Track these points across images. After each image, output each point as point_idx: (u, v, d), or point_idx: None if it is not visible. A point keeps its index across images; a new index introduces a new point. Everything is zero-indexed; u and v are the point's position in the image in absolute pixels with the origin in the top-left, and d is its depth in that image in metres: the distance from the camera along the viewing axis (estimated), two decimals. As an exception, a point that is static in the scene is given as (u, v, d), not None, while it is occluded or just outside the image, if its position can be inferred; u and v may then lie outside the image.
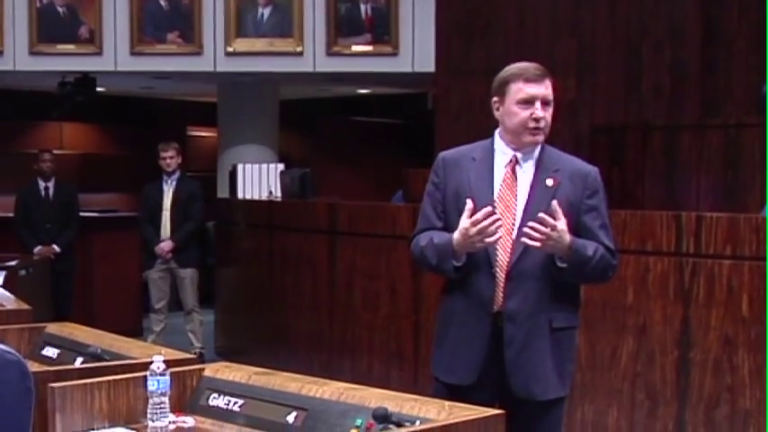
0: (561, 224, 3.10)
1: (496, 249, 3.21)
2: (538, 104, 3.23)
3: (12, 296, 4.89)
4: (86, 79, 9.45)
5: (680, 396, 4.76)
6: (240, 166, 8.68)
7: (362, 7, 8.90)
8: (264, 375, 2.94)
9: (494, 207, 3.21)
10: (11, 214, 8.71)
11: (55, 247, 8.40)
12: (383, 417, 2.52)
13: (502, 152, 3.32)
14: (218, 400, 2.91)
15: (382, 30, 8.89)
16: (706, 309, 4.69)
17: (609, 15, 7.47)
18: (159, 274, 8.08)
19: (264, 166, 8.76)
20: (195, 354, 7.14)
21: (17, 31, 8.72)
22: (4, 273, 6.33)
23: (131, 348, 3.46)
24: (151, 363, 2.70)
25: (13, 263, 7.20)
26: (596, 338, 5.03)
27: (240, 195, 8.57)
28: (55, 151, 9.21)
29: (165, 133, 9.71)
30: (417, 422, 2.49)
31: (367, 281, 6.53)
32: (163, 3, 8.87)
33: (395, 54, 8.87)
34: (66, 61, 8.86)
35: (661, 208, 6.07)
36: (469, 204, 3.15)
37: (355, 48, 8.92)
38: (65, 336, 3.81)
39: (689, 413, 4.73)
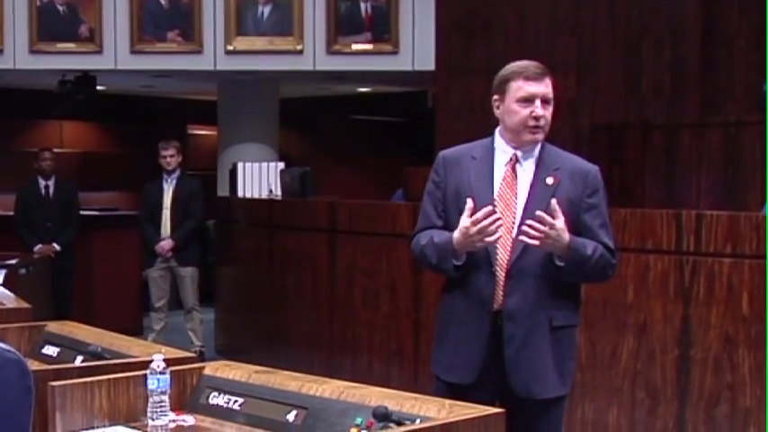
0: (560, 223, 3.10)
1: (496, 248, 3.20)
2: (538, 103, 3.22)
3: (12, 295, 4.90)
4: (86, 78, 9.45)
5: (680, 394, 4.76)
6: (240, 165, 8.68)
7: (362, 6, 8.90)
8: (264, 374, 2.94)
9: (494, 206, 3.21)
10: (11, 213, 8.71)
11: (55, 245, 8.40)
12: (383, 415, 2.52)
13: (502, 151, 3.32)
14: (218, 399, 2.91)
15: (382, 28, 8.88)
16: (706, 307, 4.69)
17: (609, 14, 7.47)
18: (159, 273, 8.08)
19: (264, 164, 8.76)
20: (195, 352, 7.14)
21: (17, 29, 8.71)
22: (4, 271, 6.33)
23: (131, 347, 3.46)
24: (151, 361, 2.70)
25: (13, 261, 7.20)
26: (597, 337, 5.03)
27: (240, 194, 8.57)
28: (55, 150, 9.20)
29: (165, 132, 9.71)
30: (417, 421, 2.49)
31: (367, 279, 6.53)
32: (163, 1, 8.87)
33: (395, 53, 8.86)
34: (66, 60, 8.86)
35: (661, 206, 6.07)
36: (470, 203, 3.15)
37: (355, 46, 8.91)
38: (65, 334, 3.81)
39: (689, 411, 4.73)
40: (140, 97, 12.76)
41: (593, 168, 3.33)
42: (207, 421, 2.87)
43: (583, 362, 4.93)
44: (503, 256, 3.21)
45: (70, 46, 8.81)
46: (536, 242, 3.10)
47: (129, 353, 3.37)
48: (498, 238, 3.15)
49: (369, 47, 8.91)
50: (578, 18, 7.55)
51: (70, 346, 3.67)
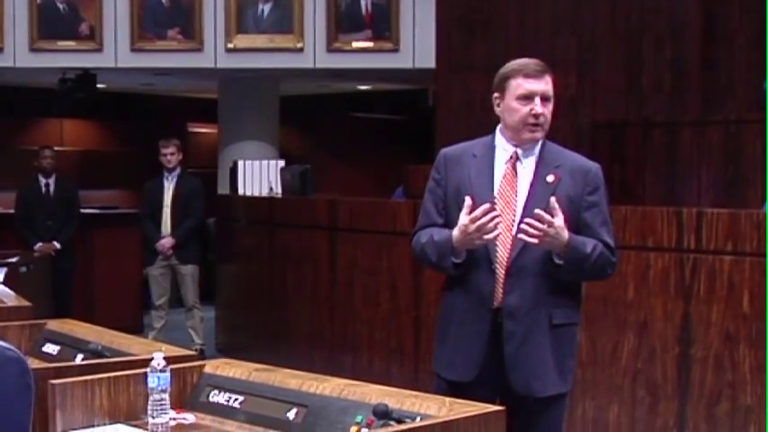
0: (558, 221, 3.09)
1: (496, 245, 3.20)
2: (537, 100, 3.22)
3: (12, 293, 4.90)
4: (87, 76, 9.45)
5: (681, 392, 4.76)
6: (241, 163, 8.68)
7: (363, 3, 8.89)
8: (265, 372, 2.94)
9: (494, 203, 3.21)
10: (11, 211, 8.71)
11: (55, 243, 8.40)
12: (383, 413, 2.52)
13: (503, 148, 3.31)
14: (218, 397, 2.91)
15: (383, 26, 8.88)
16: (707, 305, 4.69)
17: (609, 12, 7.47)
18: (160, 271, 8.09)
19: (265, 162, 8.76)
20: (196, 350, 7.15)
21: (17, 27, 8.71)
22: (4, 269, 6.33)
23: (132, 345, 3.46)
24: (151, 359, 2.70)
25: (13, 259, 7.20)
26: (597, 334, 5.03)
27: (241, 192, 8.58)
28: (55, 148, 9.20)
29: (165, 130, 9.70)
30: (418, 418, 2.49)
31: (367, 277, 6.53)
32: (163, -1, 8.88)
33: (395, 50, 8.86)
34: (66, 58, 8.86)
35: (662, 204, 6.07)
36: (468, 201, 3.15)
37: (356, 44, 8.91)
38: (65, 332, 3.81)
39: (690, 409, 4.73)
40: (141, 95, 12.76)
41: (594, 166, 3.33)
42: (207, 419, 2.87)
43: (583, 359, 4.93)
44: (502, 253, 3.21)
45: (70, 44, 8.81)
46: (535, 240, 3.10)
47: (130, 351, 3.37)
48: (497, 236, 3.15)
49: (369, 44, 8.90)
50: (579, 16, 7.55)
51: (70, 345, 3.67)
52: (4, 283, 5.67)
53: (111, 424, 2.78)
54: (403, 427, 2.43)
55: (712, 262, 4.67)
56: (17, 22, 8.70)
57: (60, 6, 8.78)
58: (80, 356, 3.50)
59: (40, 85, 10.58)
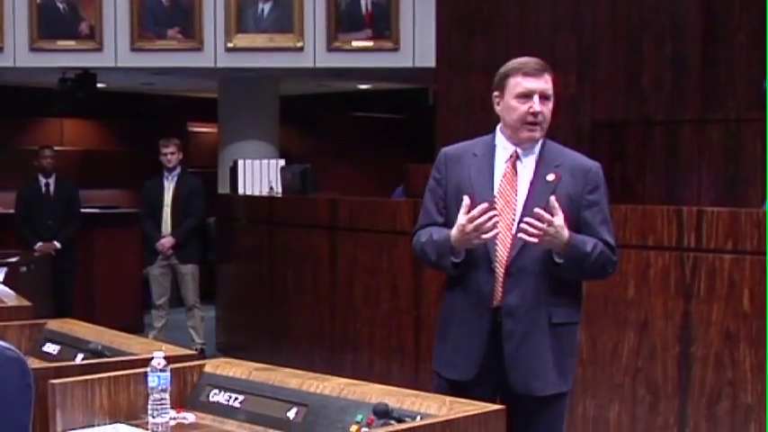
0: (558, 219, 3.09)
1: (496, 245, 3.20)
2: (536, 98, 3.22)
3: (12, 293, 4.90)
4: (87, 75, 9.44)
5: (681, 391, 4.76)
6: (241, 162, 8.68)
7: (363, 2, 8.89)
8: (265, 371, 2.94)
9: (494, 203, 3.21)
10: (11, 211, 8.71)
11: (56, 243, 8.40)
12: (384, 412, 2.52)
13: (503, 147, 3.31)
14: (218, 396, 2.91)
15: (383, 25, 8.87)
16: (707, 303, 4.69)
17: (609, 10, 7.46)
18: (160, 270, 8.09)
19: (265, 161, 8.76)
20: (196, 350, 7.15)
21: (17, 27, 8.71)
22: (4, 269, 6.34)
23: (132, 344, 3.46)
24: (152, 359, 2.70)
25: (13, 259, 7.21)
26: (597, 333, 5.03)
27: (241, 191, 8.57)
28: (55, 147, 9.21)
29: (165, 129, 9.70)
30: (418, 418, 2.49)
31: (368, 276, 6.53)
32: (163, -2, 8.88)
33: (395, 49, 8.85)
34: (66, 57, 8.86)
35: (662, 202, 6.07)
36: (466, 200, 3.15)
37: (356, 43, 8.91)
38: (65, 332, 3.81)
39: (690, 408, 4.73)
40: (141, 95, 12.76)
41: (594, 165, 3.32)
42: (207, 419, 2.87)
43: (584, 358, 4.93)
44: (502, 252, 3.21)
45: (70, 43, 8.81)
46: (535, 240, 3.09)
47: (130, 350, 3.37)
48: (495, 236, 3.14)
49: (369, 44, 8.90)
50: (579, 14, 7.54)
51: (71, 344, 3.67)
52: (5, 282, 5.67)
53: (111, 423, 2.78)
54: (403, 426, 2.43)
55: (713, 260, 4.67)
56: (17, 21, 8.70)
57: (60, 6, 8.78)
58: (80, 356, 3.50)
59: (39, 84, 10.58)
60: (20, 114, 11.98)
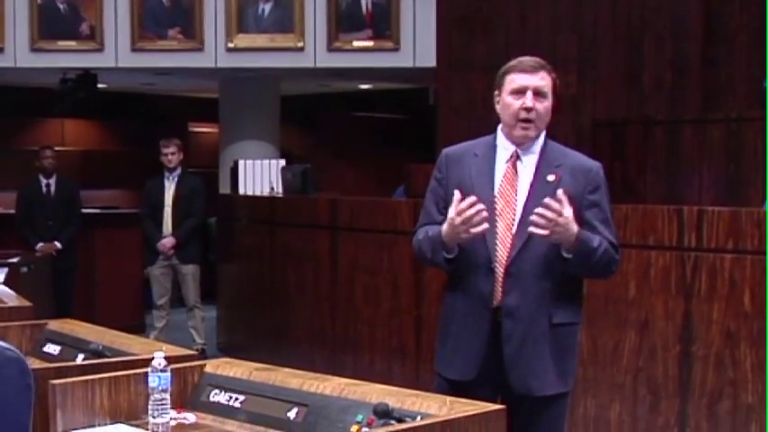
0: (568, 212, 3.08)
1: (496, 245, 3.20)
2: (529, 94, 3.22)
3: (13, 293, 4.90)
4: (87, 76, 9.45)
5: (682, 391, 4.76)
6: (241, 162, 8.68)
7: (363, 2, 8.89)
8: (265, 371, 2.94)
9: (494, 203, 3.21)
10: (12, 211, 8.71)
11: (57, 243, 8.40)
12: (384, 412, 2.52)
13: (503, 147, 3.31)
14: (219, 397, 2.91)
15: (383, 25, 8.87)
16: (708, 303, 4.69)
17: (610, 10, 7.46)
18: (161, 271, 8.09)
19: (266, 161, 8.76)
20: (197, 350, 7.15)
21: (18, 27, 8.71)
22: (5, 270, 6.34)
23: (133, 345, 3.46)
24: (152, 359, 2.70)
25: (14, 260, 7.20)
26: (598, 333, 5.03)
27: (242, 191, 8.58)
28: (56, 148, 9.20)
29: (166, 129, 9.70)
30: (418, 418, 2.49)
31: (368, 276, 6.53)
32: (164, -1, 8.88)
33: (396, 49, 8.85)
34: (67, 58, 8.86)
35: (663, 202, 6.06)
36: (457, 195, 3.14)
37: (356, 43, 8.91)
38: (66, 332, 3.81)
39: (691, 408, 4.73)
40: (141, 95, 12.76)
41: (595, 165, 3.32)
42: (208, 419, 2.87)
43: (584, 358, 4.93)
44: (502, 253, 3.20)
45: (71, 44, 8.81)
46: (545, 231, 3.08)
47: (131, 351, 3.38)
48: (485, 230, 3.13)
49: (369, 44, 8.90)
50: (579, 14, 7.55)
51: (71, 345, 3.67)
52: (5, 283, 5.68)
53: (111, 424, 2.78)
54: (403, 426, 2.43)
55: (713, 260, 4.67)
56: (18, 22, 8.70)
57: (61, 6, 8.78)
58: (81, 356, 3.50)
59: (40, 85, 10.58)
60: (21, 115, 11.99)
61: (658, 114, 7.08)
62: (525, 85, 3.22)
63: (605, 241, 3.21)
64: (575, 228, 3.10)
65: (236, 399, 2.88)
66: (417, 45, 8.78)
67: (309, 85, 11.61)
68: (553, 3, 7.67)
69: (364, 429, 2.54)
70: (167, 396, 2.70)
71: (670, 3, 7.27)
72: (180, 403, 2.89)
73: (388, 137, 13.73)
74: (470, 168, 3.30)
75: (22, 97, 11.57)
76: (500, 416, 2.53)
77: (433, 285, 5.75)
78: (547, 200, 3.07)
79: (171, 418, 2.74)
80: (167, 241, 7.95)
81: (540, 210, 3.06)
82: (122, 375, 2.84)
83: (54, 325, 3.93)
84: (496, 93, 3.31)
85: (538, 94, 3.23)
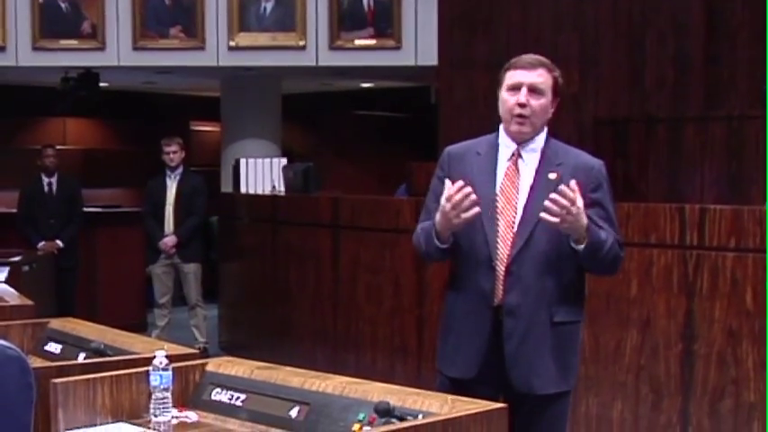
0: (580, 202, 3.06)
1: (497, 242, 3.20)
2: (523, 90, 3.21)
3: (15, 292, 4.90)
4: (89, 74, 9.45)
5: (684, 389, 4.76)
6: (243, 161, 8.68)
7: (365, 1, 8.89)
8: (267, 370, 2.94)
9: (496, 201, 3.20)
10: (14, 210, 8.72)
11: (58, 242, 8.41)
12: (385, 411, 2.52)
13: (505, 146, 3.31)
14: (220, 395, 2.91)
15: (385, 23, 8.87)
16: (710, 301, 4.68)
17: (612, 8, 7.45)
18: (163, 269, 8.09)
19: (267, 160, 8.76)
20: (199, 349, 7.15)
21: (19, 26, 8.71)
22: (7, 268, 6.34)
23: (134, 343, 3.46)
24: (154, 358, 2.70)
25: (16, 258, 7.21)
26: (600, 331, 5.03)
27: (243, 190, 8.58)
28: (58, 147, 9.23)
29: (168, 128, 9.70)
30: (420, 416, 2.49)
31: (370, 275, 6.53)
32: (165, -3, 8.88)
33: (397, 48, 8.85)
34: (68, 56, 8.86)
35: (665, 200, 6.06)
36: (448, 184, 3.14)
37: (358, 42, 8.91)
38: (68, 331, 3.81)
39: (693, 406, 4.72)
40: (143, 94, 12.76)
41: (597, 163, 3.31)
42: (209, 417, 2.87)
43: (587, 356, 4.93)
44: (503, 251, 3.20)
45: (73, 43, 8.81)
46: (556, 219, 3.06)
47: (132, 349, 3.38)
48: (475, 215, 3.11)
49: (371, 42, 8.90)
50: (581, 12, 7.53)
51: (73, 343, 3.67)
52: (7, 281, 5.68)
53: (113, 423, 2.78)
54: (405, 424, 2.42)
55: (715, 258, 4.67)
56: (19, 21, 8.71)
57: (62, 5, 8.78)
58: (82, 355, 3.50)
59: (42, 84, 10.58)
60: (22, 114, 11.99)
61: (660, 112, 7.07)
62: (520, 82, 3.22)
63: (612, 236, 3.20)
64: (585, 219, 3.09)
65: (238, 397, 2.88)
66: (419, 43, 8.78)
67: (311, 83, 11.61)
68: (554, 1, 7.66)
69: (366, 428, 2.54)
70: (169, 395, 2.70)
71: (671, 0, 7.26)
72: (181, 402, 2.89)
73: (389, 135, 13.72)
74: (472, 166, 3.29)
75: (23, 96, 11.57)
76: (502, 414, 2.53)
77: (435, 284, 5.75)
78: (561, 187, 3.05)
79: (172, 417, 2.75)
80: (169, 240, 7.96)
81: (554, 195, 3.04)
82: (124, 374, 2.84)
83: (56, 324, 3.93)
84: (498, 90, 3.31)
85: (533, 90, 3.22)
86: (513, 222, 3.21)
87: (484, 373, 3.21)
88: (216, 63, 8.93)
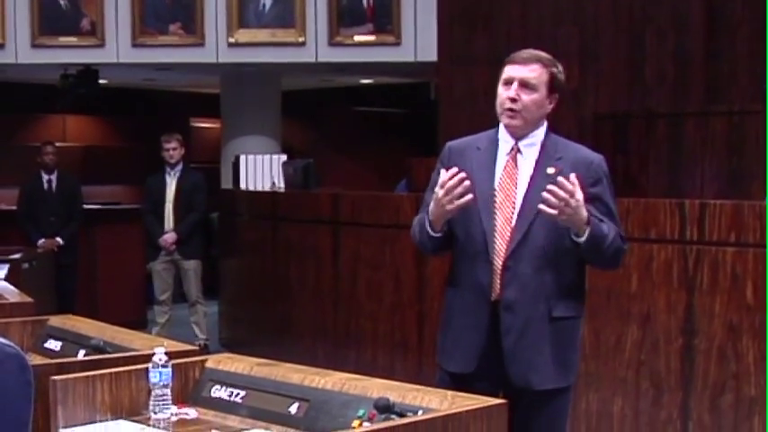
0: (579, 194, 3.05)
1: (495, 237, 3.20)
2: (514, 84, 3.22)
3: (15, 289, 4.90)
4: (89, 71, 9.44)
5: (685, 384, 4.75)
6: (243, 157, 8.67)
7: (364, -3, 8.89)
8: (267, 366, 2.94)
9: (494, 196, 3.20)
10: (14, 207, 8.72)
11: (58, 239, 8.41)
12: (385, 407, 2.52)
13: (505, 141, 3.31)
14: (220, 392, 2.91)
15: (384, 19, 8.86)
16: (710, 296, 4.68)
17: (612, 3, 7.44)
18: (163, 266, 8.09)
19: (267, 156, 8.75)
20: (199, 345, 7.16)
21: (19, 23, 8.71)
22: (7, 266, 6.33)
23: (134, 340, 3.46)
24: (153, 355, 2.70)
25: (16, 256, 7.20)
26: (600, 327, 5.02)
27: (243, 186, 8.57)
28: (58, 144, 9.21)
29: (167, 125, 9.70)
30: (420, 412, 2.48)
31: (371, 271, 6.52)
32: (164, -6, 8.87)
33: (397, 44, 8.84)
34: (68, 53, 8.86)
35: (665, 195, 6.05)
36: (443, 173, 3.14)
37: (357, 38, 8.90)
38: (68, 328, 3.80)
39: (694, 401, 4.72)
40: (143, 90, 12.76)
41: (597, 157, 3.30)
42: (209, 414, 2.86)
43: (587, 352, 4.92)
44: (501, 245, 3.20)
45: (72, 40, 8.80)
46: (555, 211, 3.04)
47: (132, 346, 3.37)
48: (467, 202, 3.11)
49: (371, 38, 8.89)
50: (581, 7, 7.53)
51: (73, 341, 3.66)
52: (7, 279, 5.68)
53: (112, 420, 2.77)
54: (405, 420, 2.42)
55: (715, 253, 4.66)
56: (18, 18, 8.70)
57: (61, 2, 8.77)
58: (82, 352, 3.50)
59: (41, 81, 10.58)
60: (22, 111, 11.99)
61: (660, 107, 7.06)
62: (512, 77, 3.23)
63: (614, 229, 3.19)
64: (584, 212, 3.07)
65: (238, 394, 2.87)
66: (418, 39, 8.77)
67: (311, 79, 11.60)
68: (554, -4, 7.66)
69: (366, 424, 2.54)
70: (168, 392, 2.70)
71: (672, -4, 7.26)
72: (181, 399, 2.89)
73: (389, 131, 13.72)
74: (472, 162, 3.29)
75: (23, 93, 11.57)
76: (501, 410, 2.53)
77: (436, 279, 5.75)
78: (560, 179, 3.04)
79: (172, 414, 2.75)
80: (169, 237, 7.95)
81: (551, 187, 3.03)
82: (123, 371, 2.84)
83: (55, 321, 3.93)
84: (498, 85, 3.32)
85: (524, 85, 3.22)
86: (511, 217, 3.20)
87: (483, 368, 3.21)
88: (215, 60, 8.93)
